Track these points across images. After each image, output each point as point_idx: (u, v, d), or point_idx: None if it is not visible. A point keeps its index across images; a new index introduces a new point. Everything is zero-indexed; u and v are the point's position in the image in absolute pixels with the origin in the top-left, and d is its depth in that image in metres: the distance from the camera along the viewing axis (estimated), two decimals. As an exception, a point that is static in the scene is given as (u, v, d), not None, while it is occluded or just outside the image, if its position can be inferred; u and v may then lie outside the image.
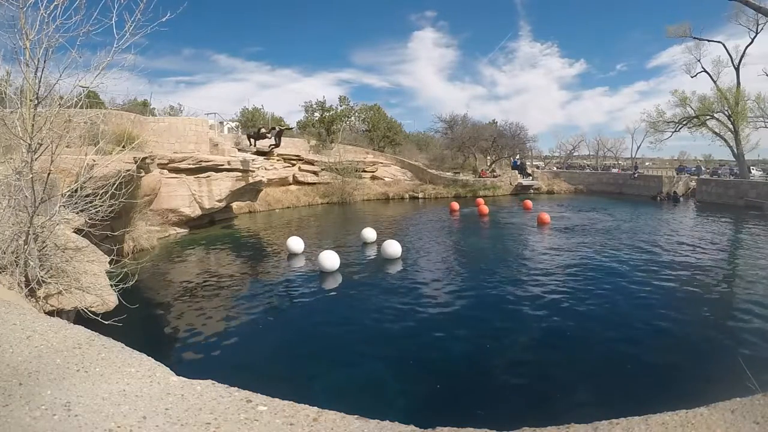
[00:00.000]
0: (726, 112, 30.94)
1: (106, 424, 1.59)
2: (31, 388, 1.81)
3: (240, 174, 20.14)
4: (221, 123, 31.95)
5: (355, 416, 1.70)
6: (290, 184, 30.32)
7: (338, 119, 38.41)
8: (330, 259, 11.48)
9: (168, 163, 17.23)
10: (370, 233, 15.72)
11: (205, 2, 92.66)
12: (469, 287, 10.57)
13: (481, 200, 28.38)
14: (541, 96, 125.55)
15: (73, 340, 2.36)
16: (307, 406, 1.78)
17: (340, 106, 39.25)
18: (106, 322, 4.46)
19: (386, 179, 35.18)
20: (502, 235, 18.24)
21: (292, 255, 13.74)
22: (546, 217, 20.31)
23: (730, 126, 30.96)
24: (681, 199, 31.55)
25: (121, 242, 12.36)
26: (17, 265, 4.30)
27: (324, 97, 45.37)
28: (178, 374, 2.07)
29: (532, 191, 36.19)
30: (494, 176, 36.86)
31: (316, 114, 38.18)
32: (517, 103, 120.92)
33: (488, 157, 41.37)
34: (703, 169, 44.04)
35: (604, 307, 9.05)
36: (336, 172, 30.96)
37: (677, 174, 35.81)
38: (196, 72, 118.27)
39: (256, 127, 28.00)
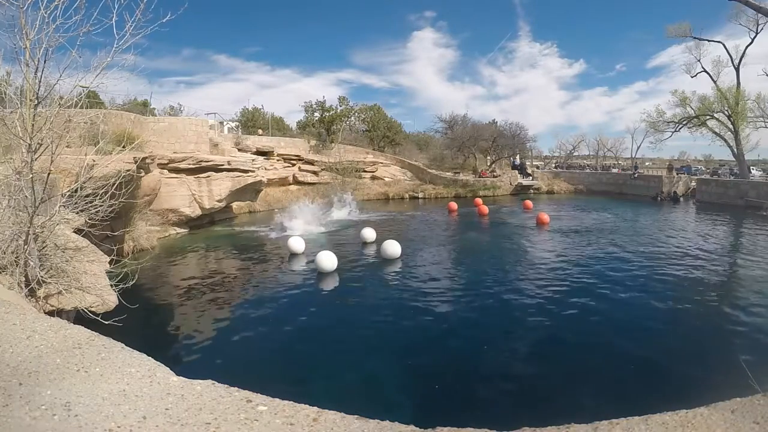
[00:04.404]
0: (726, 112, 30.91)
1: (106, 424, 1.59)
2: (31, 388, 1.81)
3: (240, 174, 20.14)
4: (221, 123, 31.93)
5: (355, 416, 1.70)
6: (290, 184, 30.33)
7: (338, 119, 38.43)
8: (328, 260, 11.47)
9: (168, 163, 17.23)
10: (369, 233, 15.73)
11: (205, 2, 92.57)
12: (468, 287, 10.57)
13: (479, 200, 28.40)
14: (540, 96, 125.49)
15: (73, 340, 2.36)
16: (307, 406, 1.77)
17: (340, 106, 39.29)
18: (106, 322, 4.46)
19: (386, 179, 35.19)
20: (501, 236, 18.24)
21: (292, 255, 13.74)
22: (545, 217, 20.28)
23: (730, 126, 30.93)
24: (681, 199, 31.57)
25: (121, 242, 12.36)
26: (17, 265, 4.30)
27: (324, 97, 45.43)
28: (178, 374, 2.07)
29: (532, 191, 36.18)
30: (494, 176, 36.85)
31: (316, 114, 38.21)
32: (516, 103, 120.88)
33: (488, 157, 41.37)
34: (703, 168, 43.99)
35: (604, 307, 9.05)
36: (336, 172, 30.96)
37: (668, 173, 35.91)
38: (196, 72, 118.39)
39: None
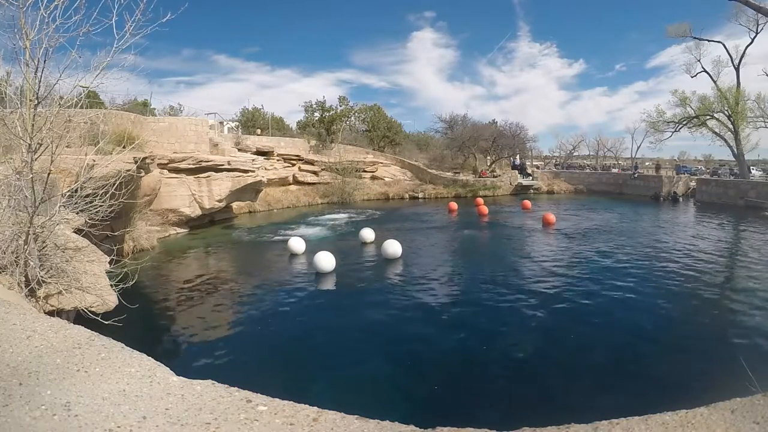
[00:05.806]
0: (726, 112, 30.92)
1: (106, 424, 1.59)
2: (31, 388, 1.81)
3: (240, 174, 20.15)
4: (221, 123, 31.90)
5: (355, 416, 1.70)
6: (290, 184, 30.31)
7: (338, 119, 38.40)
8: (326, 260, 11.46)
9: (168, 163, 17.23)
10: (368, 233, 15.73)
11: (205, 2, 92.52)
12: (469, 288, 10.57)
13: (480, 200, 28.42)
14: (540, 96, 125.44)
15: (73, 340, 2.36)
16: (307, 406, 1.77)
17: (340, 106, 39.26)
18: (106, 322, 4.46)
19: (386, 179, 35.18)
20: (502, 236, 18.24)
21: (293, 255, 13.74)
22: (551, 217, 20.31)
23: (730, 126, 30.93)
24: (681, 199, 31.59)
25: (121, 242, 12.36)
26: (17, 265, 4.29)
27: (324, 97, 45.39)
28: (178, 374, 2.07)
29: (532, 191, 36.19)
30: (494, 176, 36.86)
31: (316, 114, 38.18)
32: (516, 103, 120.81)
33: (488, 157, 41.37)
34: (702, 168, 43.96)
35: (604, 307, 9.05)
36: (336, 172, 30.95)
37: (656, 173, 36.04)
38: (196, 72, 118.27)
39: None
